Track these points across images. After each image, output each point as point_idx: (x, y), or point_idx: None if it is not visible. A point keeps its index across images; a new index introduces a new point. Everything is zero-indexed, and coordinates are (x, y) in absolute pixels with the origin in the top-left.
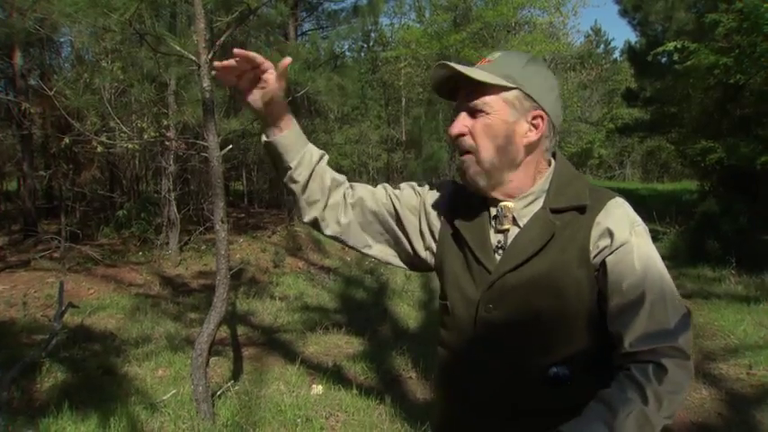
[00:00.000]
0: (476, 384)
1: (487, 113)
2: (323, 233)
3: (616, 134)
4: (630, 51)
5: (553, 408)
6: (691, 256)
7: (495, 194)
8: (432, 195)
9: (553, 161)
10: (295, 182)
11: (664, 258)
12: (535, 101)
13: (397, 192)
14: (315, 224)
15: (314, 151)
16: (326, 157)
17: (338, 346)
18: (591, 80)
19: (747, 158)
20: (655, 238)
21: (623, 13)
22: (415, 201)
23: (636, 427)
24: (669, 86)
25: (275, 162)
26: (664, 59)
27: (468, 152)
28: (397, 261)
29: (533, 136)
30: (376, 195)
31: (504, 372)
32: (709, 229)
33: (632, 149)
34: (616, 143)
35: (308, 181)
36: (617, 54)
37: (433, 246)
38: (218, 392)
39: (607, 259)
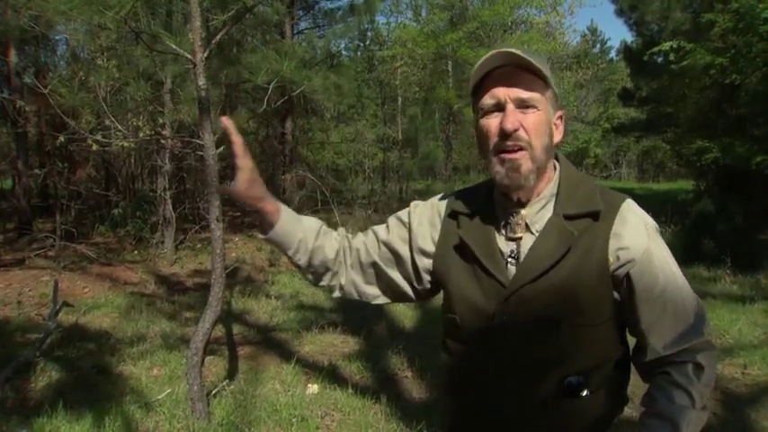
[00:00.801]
0: (490, 396)
1: (538, 109)
2: (332, 294)
3: (612, 134)
4: (626, 51)
5: (567, 418)
6: (686, 256)
7: (522, 196)
8: (419, 217)
9: (557, 163)
10: (297, 265)
11: None
12: (558, 101)
13: (385, 234)
14: (324, 289)
15: (309, 236)
16: (323, 229)
17: (334, 345)
18: (587, 80)
19: (743, 158)
20: None
21: (619, 12)
22: (403, 232)
23: (694, 430)
24: (665, 86)
25: (278, 249)
26: (660, 59)
27: (521, 149)
28: (412, 299)
29: (558, 136)
30: (369, 247)
31: (519, 384)
32: (704, 228)
33: (628, 149)
34: (612, 143)
35: (308, 262)
36: (613, 54)
37: (428, 263)
38: (214, 391)
39: (631, 272)
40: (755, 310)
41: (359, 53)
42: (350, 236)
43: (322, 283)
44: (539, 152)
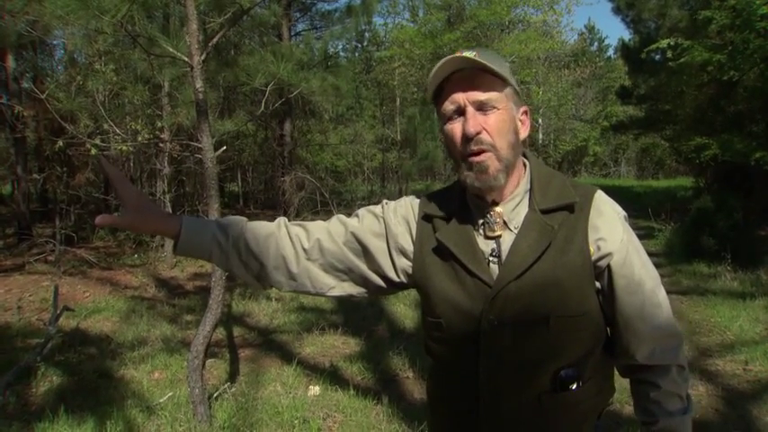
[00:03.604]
0: (483, 396)
1: (498, 109)
2: (281, 291)
3: (611, 132)
4: (624, 49)
5: (562, 411)
6: (686, 253)
7: (495, 196)
8: (393, 215)
9: (526, 160)
10: (227, 269)
11: (659, 255)
12: (520, 97)
13: (355, 222)
14: (272, 287)
15: (220, 237)
16: (244, 224)
17: (335, 346)
18: (585, 78)
19: (742, 154)
20: (650, 234)
21: (617, 10)
22: (377, 226)
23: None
24: (663, 84)
25: (201, 259)
26: (657, 57)
27: (485, 150)
28: (363, 294)
29: (524, 132)
30: (333, 234)
31: (512, 382)
32: (704, 225)
33: (627, 147)
34: (611, 140)
35: (235, 262)
36: (611, 52)
37: (407, 265)
38: (215, 394)
39: (612, 263)
40: (756, 306)
41: (356, 54)
42: (301, 223)
43: (264, 282)
44: (504, 151)
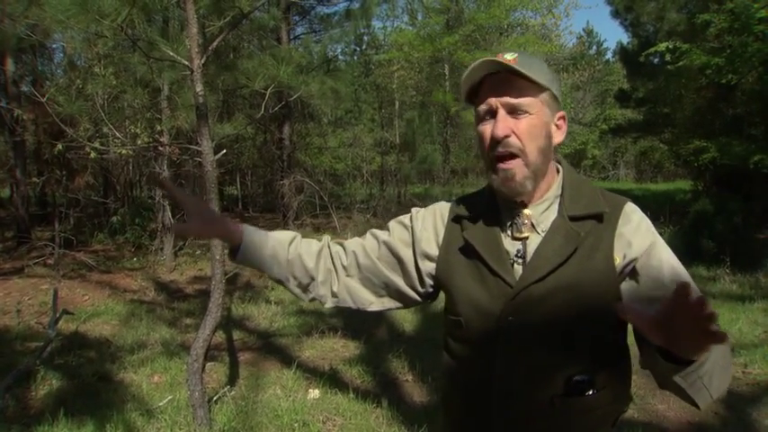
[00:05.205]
0: (496, 396)
1: (531, 114)
2: (324, 305)
3: (609, 135)
4: (623, 52)
5: (574, 417)
6: (685, 256)
7: (525, 198)
8: (421, 222)
9: (559, 165)
10: (279, 281)
11: None
12: (558, 101)
13: (386, 235)
14: (314, 301)
15: (279, 249)
16: (298, 239)
17: (334, 349)
18: (584, 81)
19: (740, 157)
20: None
21: (615, 14)
22: (406, 235)
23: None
24: (661, 87)
25: (254, 269)
26: (656, 60)
27: (514, 156)
28: (400, 308)
29: (560, 137)
30: (367, 249)
31: (526, 383)
32: (703, 228)
33: (625, 150)
34: (609, 144)
35: (289, 275)
36: (609, 55)
37: (431, 268)
38: (215, 398)
39: (637, 265)
40: (755, 309)
41: (355, 58)
42: (341, 241)
43: (310, 295)
44: (533, 156)
